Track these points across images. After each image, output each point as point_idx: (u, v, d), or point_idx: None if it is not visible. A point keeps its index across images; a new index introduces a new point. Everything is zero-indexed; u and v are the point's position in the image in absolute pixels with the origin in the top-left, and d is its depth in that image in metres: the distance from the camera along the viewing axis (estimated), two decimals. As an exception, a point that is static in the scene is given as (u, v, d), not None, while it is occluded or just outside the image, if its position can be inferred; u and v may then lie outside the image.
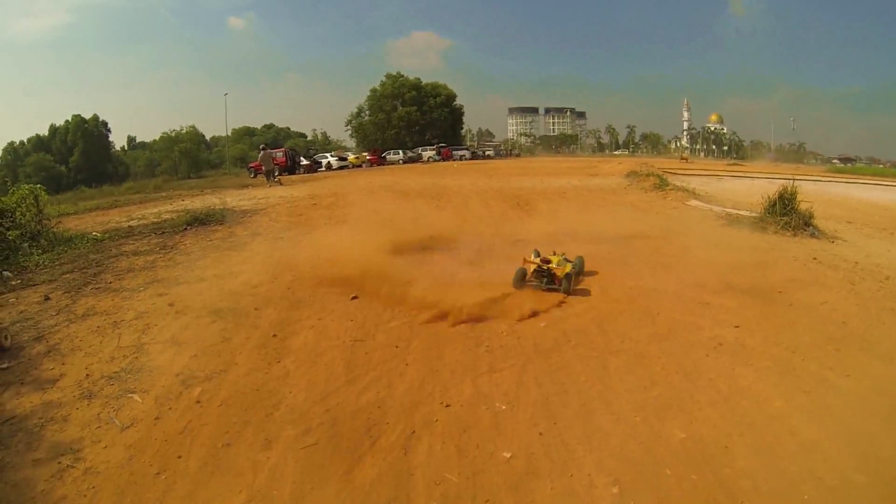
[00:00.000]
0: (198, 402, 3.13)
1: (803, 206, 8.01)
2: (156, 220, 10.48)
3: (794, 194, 8.11)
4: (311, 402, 3.03)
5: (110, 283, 5.62)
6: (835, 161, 51.53)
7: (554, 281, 4.93)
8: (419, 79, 48.18)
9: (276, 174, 19.26)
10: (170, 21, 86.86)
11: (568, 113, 79.45)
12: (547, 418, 2.91)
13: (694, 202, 10.81)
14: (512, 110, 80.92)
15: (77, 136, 44.01)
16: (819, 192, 8.70)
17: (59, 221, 8.64)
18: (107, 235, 8.67)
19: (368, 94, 47.65)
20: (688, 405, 3.03)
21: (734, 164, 31.78)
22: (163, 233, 8.66)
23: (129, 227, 9.97)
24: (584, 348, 3.73)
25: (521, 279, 4.98)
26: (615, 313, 4.36)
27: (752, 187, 12.22)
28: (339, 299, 4.72)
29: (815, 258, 6.28)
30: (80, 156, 43.38)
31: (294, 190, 15.46)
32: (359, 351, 3.70)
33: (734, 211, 9.21)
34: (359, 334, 3.97)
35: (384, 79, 47.63)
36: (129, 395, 3.26)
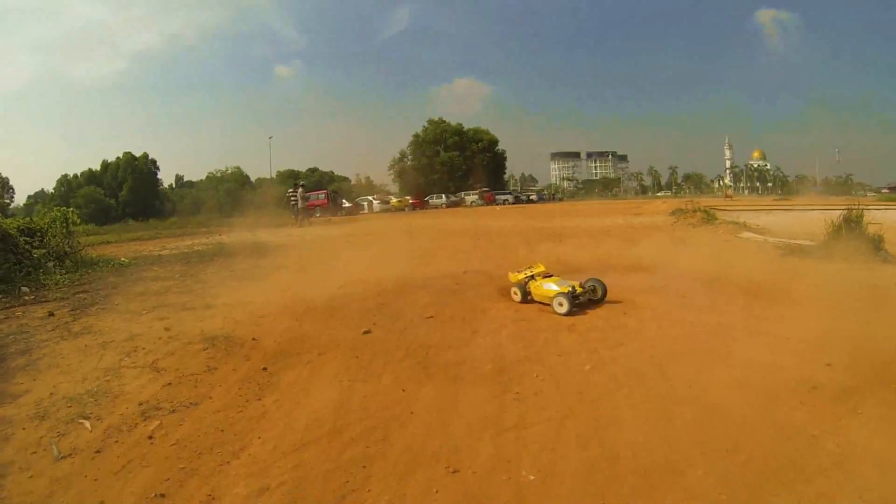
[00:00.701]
0: (150, 437, 2.55)
1: (871, 230, 7.09)
2: (187, 250, 10.55)
3: (860, 217, 7.25)
4: (279, 454, 2.36)
5: (117, 304, 5.44)
6: (884, 190, 48.48)
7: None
8: (461, 124, 49.63)
9: (307, 216, 19.72)
10: (220, 69, 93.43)
11: (609, 156, 79.52)
12: (593, 496, 2.09)
13: (746, 234, 9.89)
14: (554, 155, 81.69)
15: (127, 172, 46.98)
16: (876, 218, 7.62)
17: (88, 245, 8.77)
18: (133, 262, 8.69)
19: (411, 139, 48.99)
20: (790, 475, 2.14)
21: (780, 200, 29.97)
22: (188, 262, 8.59)
23: (159, 255, 10.07)
24: (641, 397, 2.88)
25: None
26: (675, 353, 3.47)
27: (804, 218, 11.30)
28: (350, 333, 4.16)
29: (896, 284, 5.40)
30: (128, 191, 46.05)
31: (332, 229, 15.44)
32: (356, 393, 3.01)
33: (792, 241, 8.21)
34: (361, 374, 3.31)
35: (426, 124, 49.21)
36: (82, 420, 2.76)
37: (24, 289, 6.15)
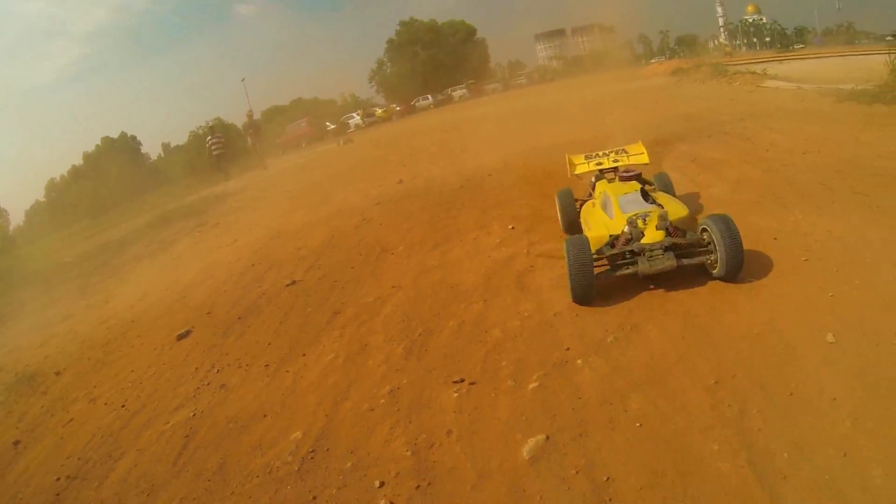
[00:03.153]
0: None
1: None
2: (132, 228, 9.83)
3: None
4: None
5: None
6: (889, 38, 42.81)
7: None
8: (434, 20, 46.00)
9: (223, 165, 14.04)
10: (179, 25, 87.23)
11: (595, 29, 73.22)
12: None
13: (772, 83, 7.83)
14: (538, 36, 75.52)
15: (111, 156, 45.44)
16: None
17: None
18: (73, 260, 8.08)
19: (386, 45, 45.98)
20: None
21: (782, 53, 26.22)
22: (121, 245, 7.90)
23: (107, 241, 9.39)
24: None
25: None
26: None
27: (824, 65, 10.00)
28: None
29: None
30: (116, 175, 44.81)
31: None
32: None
33: (834, 86, 6.19)
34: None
35: (398, 27, 45.76)
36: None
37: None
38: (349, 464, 1.61)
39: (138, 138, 47.66)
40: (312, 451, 1.72)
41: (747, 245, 2.12)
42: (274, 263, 3.90)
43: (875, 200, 2.57)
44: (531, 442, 1.51)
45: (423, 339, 2.27)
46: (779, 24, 64.23)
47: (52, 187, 46.44)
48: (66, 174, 46.18)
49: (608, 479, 1.35)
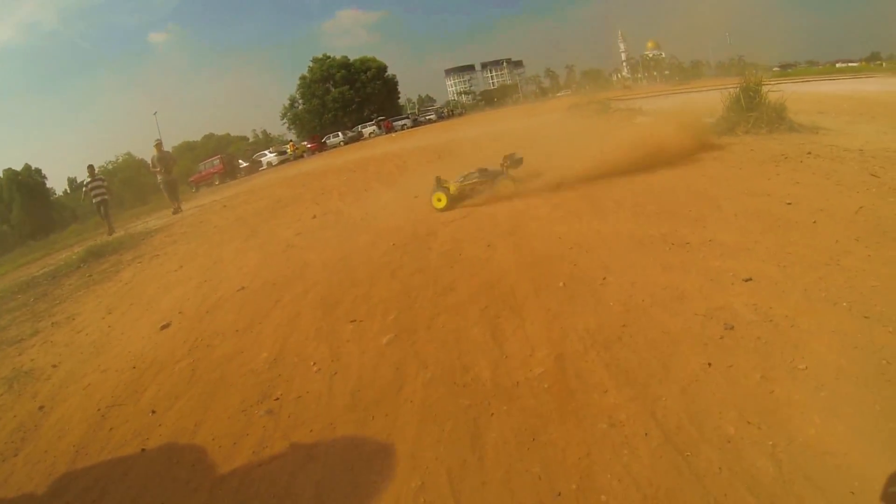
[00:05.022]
0: None
1: (772, 98, 7.00)
2: (63, 262, 10.28)
3: (758, 85, 7.09)
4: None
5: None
6: (775, 69, 51.91)
7: None
8: (346, 57, 48.48)
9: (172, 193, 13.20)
10: (89, 49, 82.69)
11: (504, 64, 78.88)
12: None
13: (641, 119, 10.28)
14: (448, 71, 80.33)
15: (13, 190, 42.21)
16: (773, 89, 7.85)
17: None
18: (1, 294, 8.53)
19: (298, 82, 47.06)
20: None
21: (676, 86, 31.48)
22: (54, 277, 8.56)
23: (33, 277, 9.82)
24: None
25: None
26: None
27: (703, 99, 11.59)
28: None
29: (809, 153, 5.53)
30: (19, 210, 41.61)
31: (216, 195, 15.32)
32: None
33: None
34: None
35: (311, 63, 47.24)
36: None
37: None
38: (296, 359, 3.15)
39: (43, 171, 44.93)
40: (275, 360, 3.23)
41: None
42: (223, 278, 5.28)
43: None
44: (387, 337, 3.17)
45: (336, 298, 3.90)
46: (676, 59, 72.86)
47: (-51, 222, 41.92)
48: (-37, 209, 42.15)
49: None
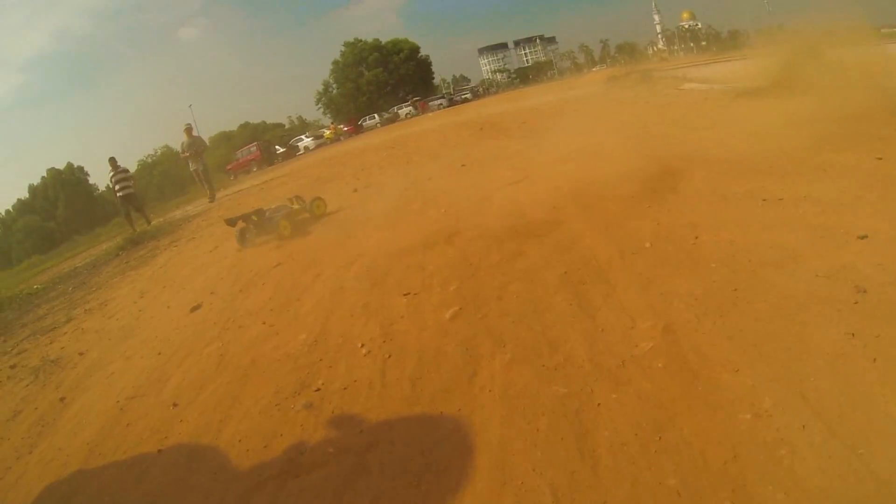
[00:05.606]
0: None
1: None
2: (103, 252, 10.26)
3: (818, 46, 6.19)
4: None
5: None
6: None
7: None
8: (378, 39, 47.43)
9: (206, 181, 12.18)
10: (121, 49, 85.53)
11: (537, 41, 76.87)
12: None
13: (689, 85, 9.53)
14: (482, 50, 78.92)
15: (57, 188, 44.07)
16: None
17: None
18: (44, 286, 8.47)
19: (331, 66, 46.95)
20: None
21: (715, 56, 29.43)
22: (94, 267, 8.43)
23: (75, 268, 9.81)
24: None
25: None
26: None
27: (749, 66, 10.86)
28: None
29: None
30: (64, 208, 43.36)
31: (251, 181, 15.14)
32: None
33: (740, 85, 7.47)
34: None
35: (343, 48, 46.96)
36: None
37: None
38: (340, 341, 2.57)
39: (85, 168, 46.69)
40: (315, 341, 2.66)
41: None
42: (258, 255, 4.79)
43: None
44: (451, 311, 2.53)
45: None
46: (713, 29, 69.75)
47: (-1, 222, 44.53)
48: (11, 209, 44.67)
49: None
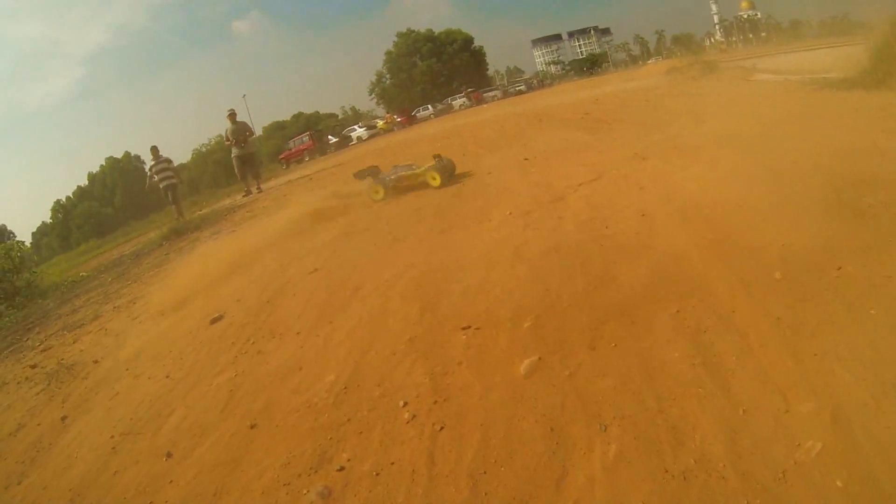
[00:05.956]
0: None
1: None
2: (148, 241, 10.15)
3: None
4: None
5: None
6: None
7: None
8: (431, 30, 46.85)
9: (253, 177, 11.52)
10: (177, 43, 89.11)
11: (591, 32, 74.35)
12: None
13: (761, 76, 8.48)
14: (535, 42, 77.04)
15: (115, 176, 46.00)
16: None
17: (37, 274, 8.30)
18: (89, 274, 8.38)
19: (384, 57, 46.75)
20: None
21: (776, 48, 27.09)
22: (137, 256, 8.26)
23: (121, 256, 9.76)
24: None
25: None
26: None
27: (818, 57, 9.71)
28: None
29: None
30: (121, 195, 45.18)
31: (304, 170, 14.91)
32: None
33: (819, 76, 6.44)
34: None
35: (396, 38, 46.70)
36: None
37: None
38: (377, 392, 1.91)
39: (142, 157, 48.46)
40: (345, 388, 2.02)
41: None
42: (295, 257, 4.24)
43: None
44: (527, 362, 1.81)
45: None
46: (773, 19, 65.43)
47: (59, 208, 47.18)
48: (71, 195, 47.15)
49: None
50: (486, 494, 1.40)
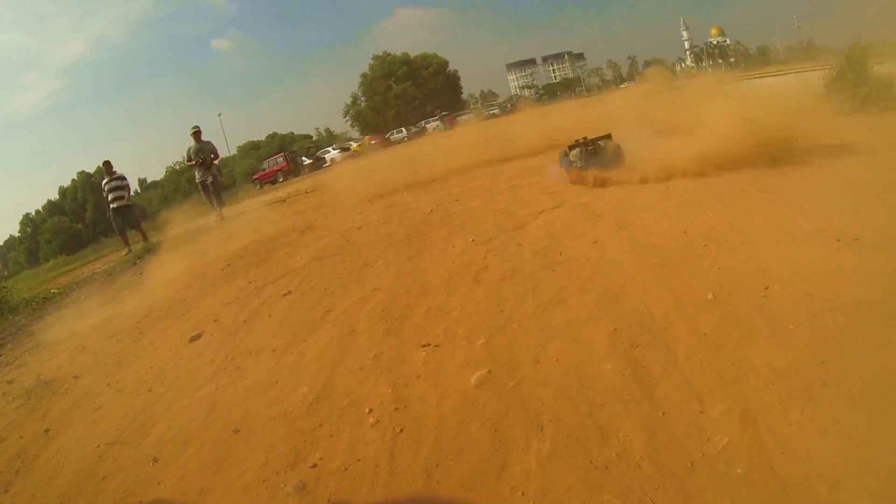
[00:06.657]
0: None
1: (878, 71, 5.73)
2: (120, 259, 10.15)
3: (863, 56, 5.95)
4: None
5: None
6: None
7: None
8: (407, 53, 47.97)
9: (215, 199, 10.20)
10: (155, 58, 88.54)
11: (566, 57, 76.80)
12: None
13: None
14: (510, 66, 79.12)
15: (86, 191, 45.07)
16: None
17: (7, 289, 8.23)
18: (60, 290, 8.36)
19: (360, 80, 47.38)
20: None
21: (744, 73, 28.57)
22: (110, 275, 8.30)
23: (93, 273, 9.73)
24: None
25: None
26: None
27: (782, 83, 10.30)
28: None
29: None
30: (92, 210, 44.19)
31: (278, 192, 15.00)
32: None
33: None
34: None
35: (372, 61, 47.46)
36: None
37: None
38: (346, 402, 2.18)
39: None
40: (317, 399, 2.28)
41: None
42: (269, 280, 4.47)
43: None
44: (477, 374, 2.12)
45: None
46: (742, 45, 68.64)
47: (28, 222, 45.81)
48: (41, 209, 45.91)
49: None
50: (438, 483, 1.68)
